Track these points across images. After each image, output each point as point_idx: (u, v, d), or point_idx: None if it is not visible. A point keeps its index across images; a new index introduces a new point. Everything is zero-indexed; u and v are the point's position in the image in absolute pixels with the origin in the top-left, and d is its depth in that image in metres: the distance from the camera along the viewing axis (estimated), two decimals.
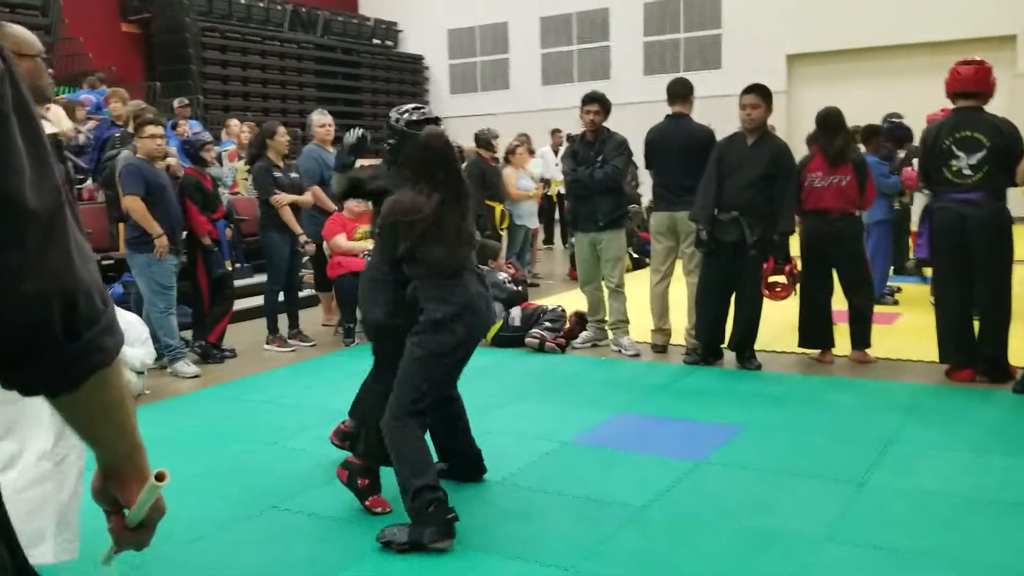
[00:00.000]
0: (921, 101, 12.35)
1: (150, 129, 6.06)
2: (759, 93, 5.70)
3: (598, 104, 6.40)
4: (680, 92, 6.36)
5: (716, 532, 3.32)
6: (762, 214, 5.62)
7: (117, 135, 8.10)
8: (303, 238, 6.94)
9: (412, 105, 3.80)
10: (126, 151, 6.40)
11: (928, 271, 9.33)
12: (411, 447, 3.33)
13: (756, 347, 5.95)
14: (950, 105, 5.48)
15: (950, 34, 15.29)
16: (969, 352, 5.36)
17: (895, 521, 3.37)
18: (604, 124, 6.47)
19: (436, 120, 3.70)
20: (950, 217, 5.27)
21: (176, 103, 10.47)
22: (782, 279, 5.78)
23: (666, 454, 4.19)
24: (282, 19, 17.27)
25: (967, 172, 5.21)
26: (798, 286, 5.82)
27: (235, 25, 16.28)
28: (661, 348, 6.46)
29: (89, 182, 9.13)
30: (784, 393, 5.26)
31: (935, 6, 15.66)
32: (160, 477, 1.13)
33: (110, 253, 7.90)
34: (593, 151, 6.43)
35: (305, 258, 7.43)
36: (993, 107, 5.41)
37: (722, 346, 6.04)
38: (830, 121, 5.81)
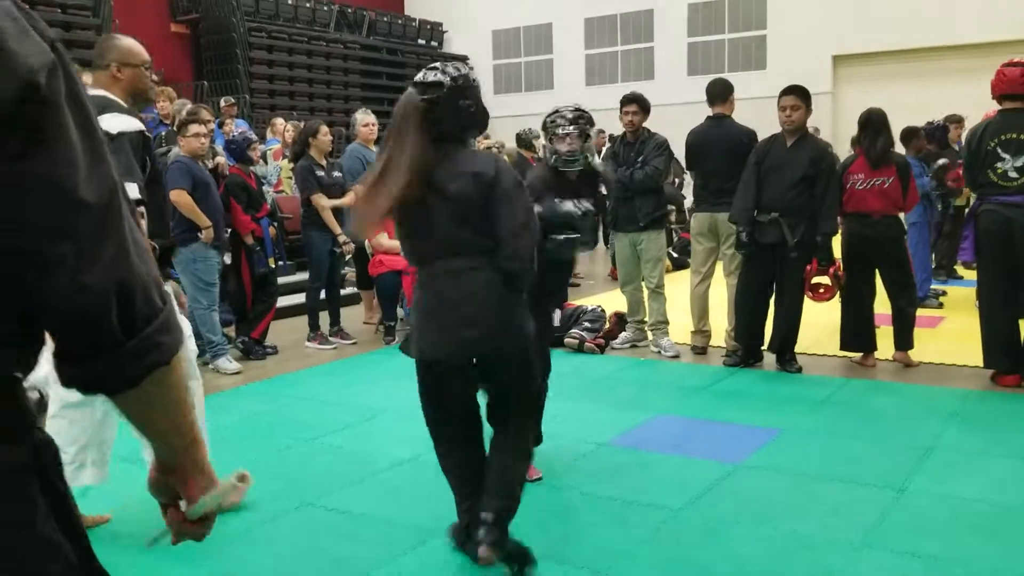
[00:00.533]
0: (968, 103, 12.15)
1: (193, 128, 6.18)
2: (799, 94, 5.64)
3: (636, 104, 6.38)
4: (719, 93, 6.32)
5: (751, 536, 3.29)
6: (802, 216, 5.56)
7: (163, 133, 8.24)
8: (342, 238, 7.00)
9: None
10: (176, 149, 6.53)
11: (963, 271, 9.25)
12: (446, 473, 3.22)
13: (797, 350, 5.89)
14: (998, 107, 5.39)
15: (998, 35, 14.98)
16: (1016, 357, 5.26)
17: (934, 529, 3.32)
18: (645, 124, 6.46)
19: (437, 84, 2.87)
20: (995, 220, 5.19)
21: (223, 102, 10.64)
22: (826, 280, 5.72)
23: (703, 456, 4.17)
24: (328, 19, 17.44)
25: (1012, 175, 5.13)
26: (840, 288, 5.76)
27: (282, 25, 16.48)
28: (701, 350, 6.42)
29: None
30: (824, 397, 5.20)
31: (982, 7, 15.35)
32: (243, 479, 1.13)
33: None
34: (633, 152, 6.42)
35: (348, 256, 7.50)
36: None
37: (762, 348, 5.99)
38: (873, 122, 5.73)
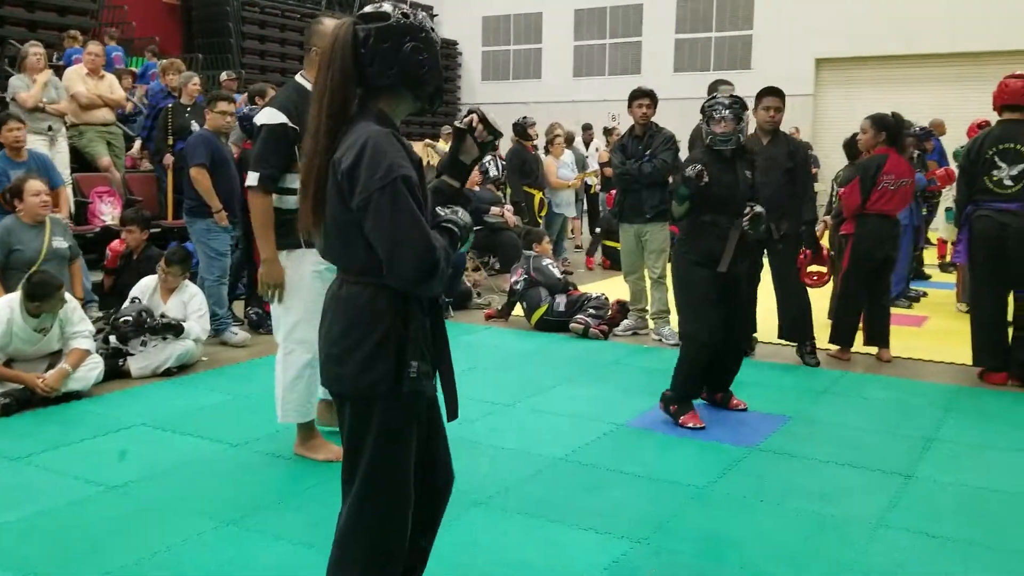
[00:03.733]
0: (946, 109, 12.56)
1: (221, 105, 6.26)
2: (781, 96, 5.87)
3: (649, 99, 6.58)
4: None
5: (776, 515, 3.49)
6: (785, 209, 5.76)
7: (170, 105, 8.27)
8: None
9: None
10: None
11: (930, 272, 9.75)
12: None
13: (778, 342, 6.12)
14: (978, 115, 5.71)
15: (978, 46, 15.43)
16: (1003, 356, 5.53)
17: (944, 512, 3.54)
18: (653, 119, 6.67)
19: (381, 15, 2.18)
20: (989, 225, 5.46)
21: (224, 76, 10.62)
22: (821, 268, 5.91)
23: (719, 440, 4.37)
24: None
25: (1008, 183, 5.42)
26: (834, 271, 5.97)
27: (274, 0, 16.43)
28: None
29: (136, 148, 9.27)
30: (825, 387, 5.42)
31: (966, 18, 15.73)
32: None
33: (159, 221, 8.08)
34: (642, 145, 6.60)
35: None
36: None
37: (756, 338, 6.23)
38: (899, 127, 6.00)
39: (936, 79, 16.15)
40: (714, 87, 6.38)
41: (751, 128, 5.07)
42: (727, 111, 4.58)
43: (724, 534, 3.32)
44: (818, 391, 5.34)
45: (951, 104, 14.67)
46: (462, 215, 2.22)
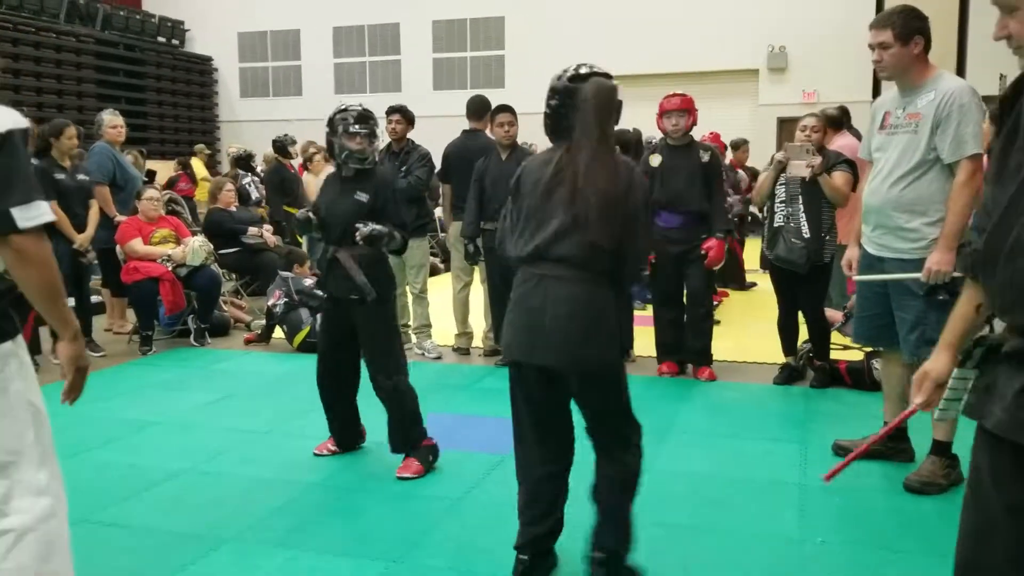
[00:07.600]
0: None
1: None
2: (513, 112, 6.24)
3: (399, 114, 6.68)
4: (475, 110, 6.76)
5: None
6: None
7: None
8: (81, 244, 6.63)
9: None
10: None
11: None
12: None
13: None
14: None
15: (705, 66, 16.86)
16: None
17: (675, 501, 3.83)
18: (409, 136, 6.77)
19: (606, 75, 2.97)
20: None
21: None
22: None
23: (475, 449, 4.51)
24: (58, 10, 16.21)
25: None
26: None
27: (5, 13, 15.11)
28: (464, 351, 6.80)
29: None
30: None
31: (692, 41, 17.16)
32: None
33: None
34: (398, 162, 6.68)
35: (94, 261, 7.10)
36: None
37: None
38: (635, 143, 6.41)
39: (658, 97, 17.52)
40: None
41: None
42: (359, 125, 4.10)
43: (477, 543, 3.42)
44: None
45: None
46: None
